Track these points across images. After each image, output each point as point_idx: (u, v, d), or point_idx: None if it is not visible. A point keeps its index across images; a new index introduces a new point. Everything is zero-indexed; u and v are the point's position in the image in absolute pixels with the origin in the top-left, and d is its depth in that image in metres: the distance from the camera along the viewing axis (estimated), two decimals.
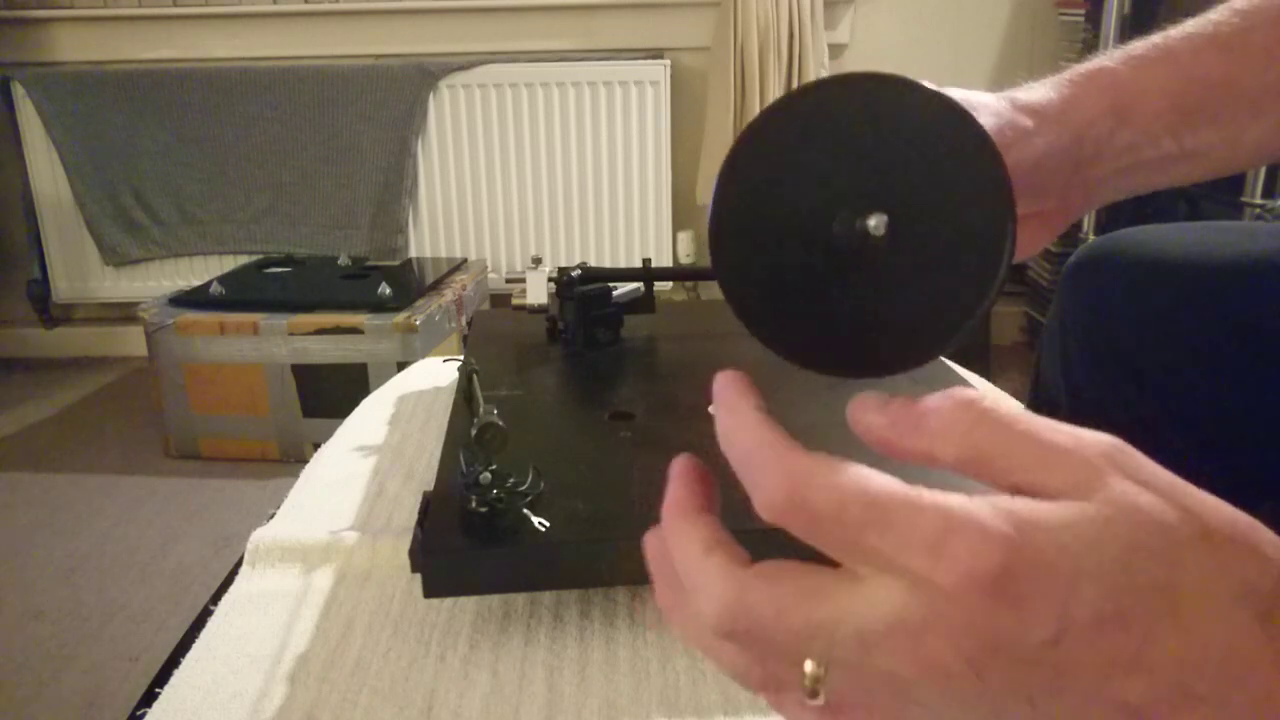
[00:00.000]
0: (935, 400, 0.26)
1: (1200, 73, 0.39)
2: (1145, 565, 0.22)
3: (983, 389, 0.70)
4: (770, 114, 0.35)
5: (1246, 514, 0.23)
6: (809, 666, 0.24)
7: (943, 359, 0.70)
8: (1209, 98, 0.39)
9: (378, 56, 2.38)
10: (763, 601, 0.24)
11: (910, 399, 0.27)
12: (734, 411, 0.27)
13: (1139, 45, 0.41)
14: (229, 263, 2.37)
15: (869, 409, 0.27)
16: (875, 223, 0.32)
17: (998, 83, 0.41)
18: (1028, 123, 0.39)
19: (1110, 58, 0.40)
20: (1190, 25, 0.40)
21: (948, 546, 0.22)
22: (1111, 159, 0.40)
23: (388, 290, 1.92)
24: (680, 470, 0.28)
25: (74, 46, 2.38)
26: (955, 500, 0.23)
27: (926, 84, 0.34)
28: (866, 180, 0.33)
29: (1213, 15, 0.40)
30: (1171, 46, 0.40)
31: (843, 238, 0.34)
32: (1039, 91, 0.41)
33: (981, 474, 0.25)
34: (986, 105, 0.40)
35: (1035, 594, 0.22)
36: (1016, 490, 0.24)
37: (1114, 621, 0.22)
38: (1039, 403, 0.76)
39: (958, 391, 0.26)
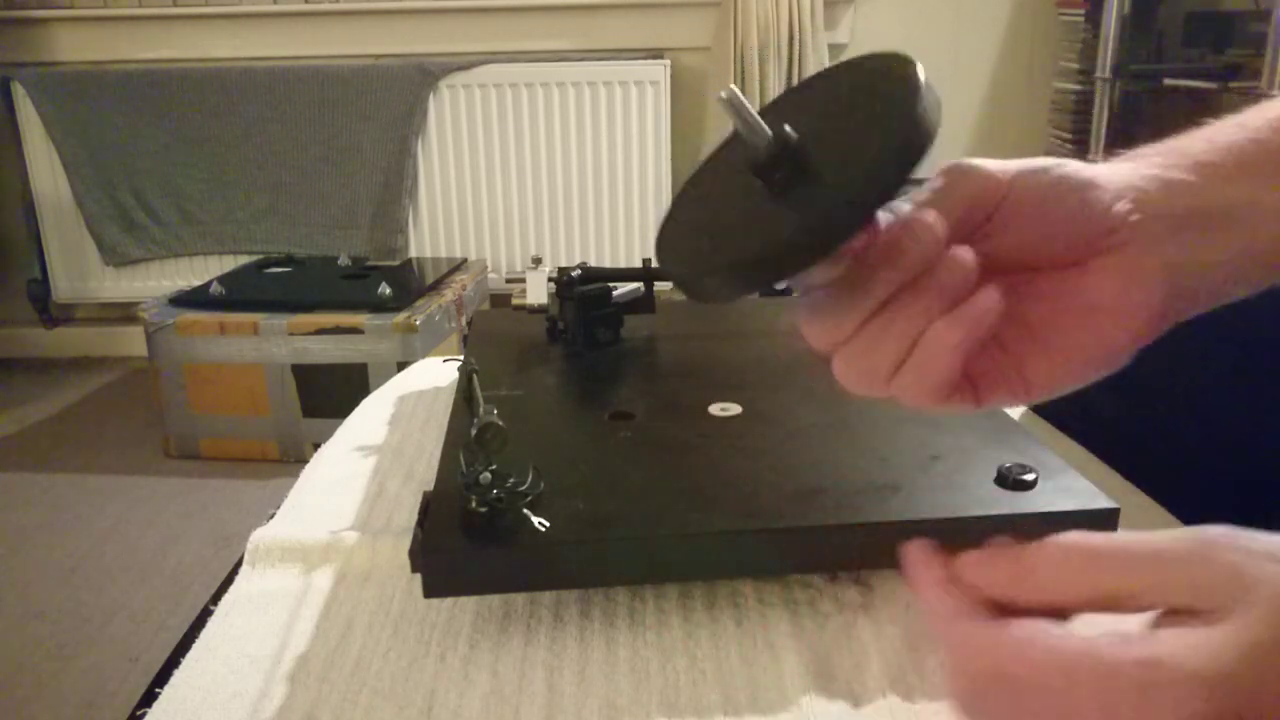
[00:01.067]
0: (1038, 552, 0.27)
1: (1209, 134, 0.37)
2: None
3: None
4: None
5: None
6: None
7: None
8: (1231, 146, 0.37)
9: (378, 56, 2.38)
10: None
11: (1007, 551, 0.28)
12: (929, 586, 0.29)
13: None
14: (229, 263, 2.37)
15: (978, 565, 0.28)
16: (722, 91, 0.32)
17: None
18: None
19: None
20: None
21: (1153, 705, 0.22)
22: (1170, 200, 0.36)
23: (388, 290, 1.92)
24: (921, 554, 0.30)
25: (74, 46, 2.38)
26: (1148, 650, 0.23)
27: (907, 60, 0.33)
28: (793, 121, 0.34)
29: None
30: (1170, 143, 0.38)
31: (755, 153, 0.34)
32: None
33: (1115, 610, 0.25)
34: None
35: None
36: (1171, 612, 0.24)
37: None
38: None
39: (1059, 539, 0.26)
